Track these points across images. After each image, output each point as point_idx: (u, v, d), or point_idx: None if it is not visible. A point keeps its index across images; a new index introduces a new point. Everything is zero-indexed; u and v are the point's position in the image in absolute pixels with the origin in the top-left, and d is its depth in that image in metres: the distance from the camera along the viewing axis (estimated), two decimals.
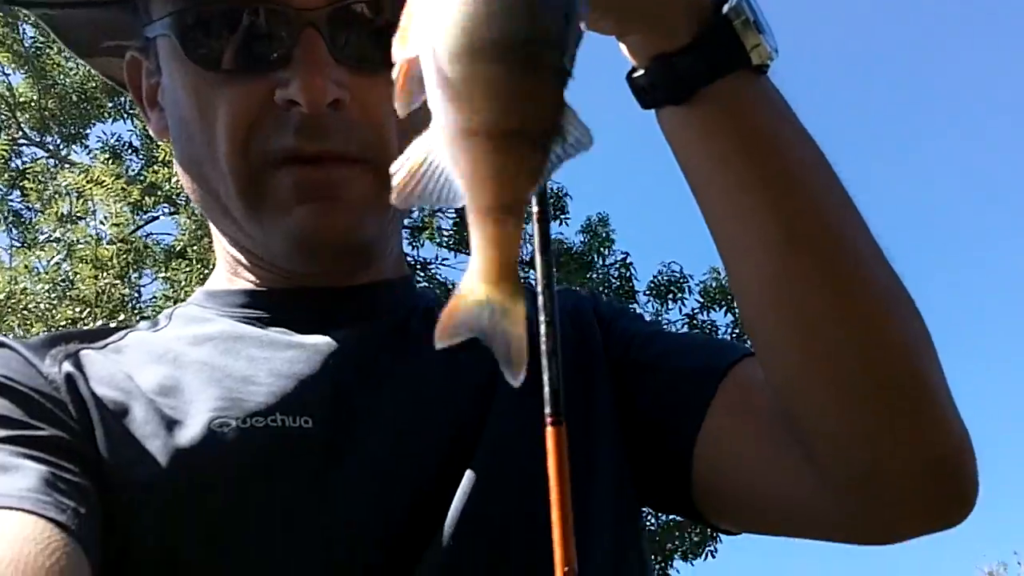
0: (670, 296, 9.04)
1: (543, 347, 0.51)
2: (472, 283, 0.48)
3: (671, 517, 9.66)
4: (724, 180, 0.65)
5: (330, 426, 0.73)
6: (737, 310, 8.38)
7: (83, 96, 8.93)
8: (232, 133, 0.75)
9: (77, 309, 7.11)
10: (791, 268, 0.64)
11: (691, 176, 0.68)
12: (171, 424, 0.71)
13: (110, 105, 8.98)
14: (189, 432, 0.70)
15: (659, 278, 9.05)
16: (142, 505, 0.68)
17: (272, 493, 0.70)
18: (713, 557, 9.61)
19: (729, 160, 0.65)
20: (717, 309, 9.04)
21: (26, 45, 8.71)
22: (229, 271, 0.86)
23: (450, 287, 8.46)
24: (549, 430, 0.49)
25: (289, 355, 0.76)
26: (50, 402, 0.70)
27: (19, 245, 8.61)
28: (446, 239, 8.67)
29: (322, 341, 0.78)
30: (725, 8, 0.64)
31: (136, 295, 7.73)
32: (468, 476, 0.72)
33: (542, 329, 0.54)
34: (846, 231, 0.65)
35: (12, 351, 0.74)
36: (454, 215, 8.69)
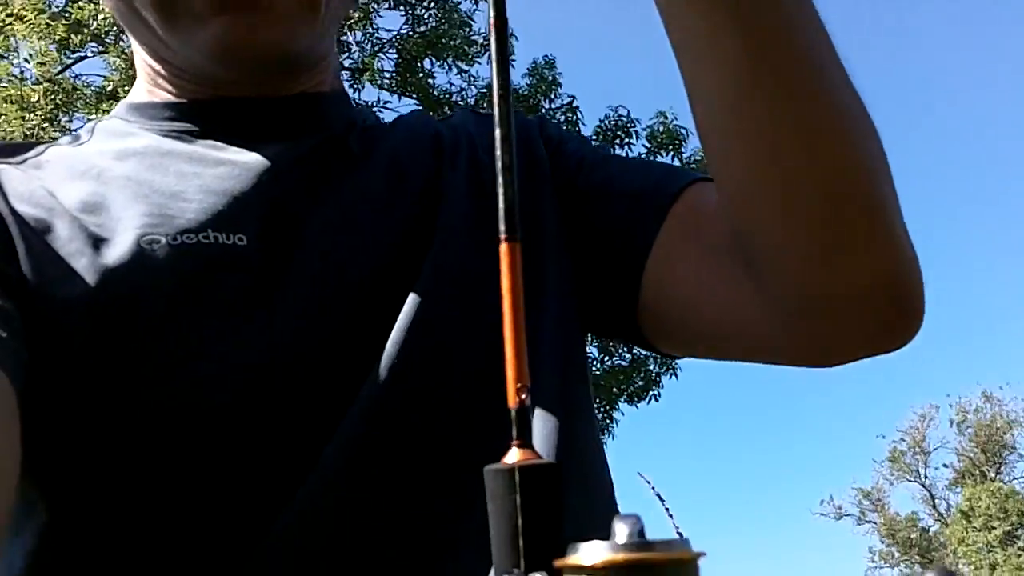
0: (617, 141, 9.03)
1: (498, 162, 0.47)
2: None
3: (616, 362, 9.92)
4: None
5: (266, 242, 0.70)
6: (687, 156, 8.39)
7: None
8: None
9: None
10: (754, 75, 0.61)
11: None
12: (97, 241, 0.68)
13: None
14: (117, 249, 0.67)
15: (606, 123, 9.04)
16: (69, 324, 0.65)
17: (208, 308, 0.67)
18: (657, 401, 9.96)
19: None
20: (664, 154, 9.07)
21: None
22: (150, 83, 0.81)
23: None
24: (503, 247, 0.45)
25: (220, 171, 0.73)
26: None
27: None
28: (387, 81, 8.50)
29: (254, 156, 0.74)
30: None
31: None
32: (414, 293, 0.70)
33: (496, 141, 0.49)
34: (814, 43, 0.63)
35: None
36: (395, 55, 8.49)
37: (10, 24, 7.16)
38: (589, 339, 0.86)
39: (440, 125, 0.85)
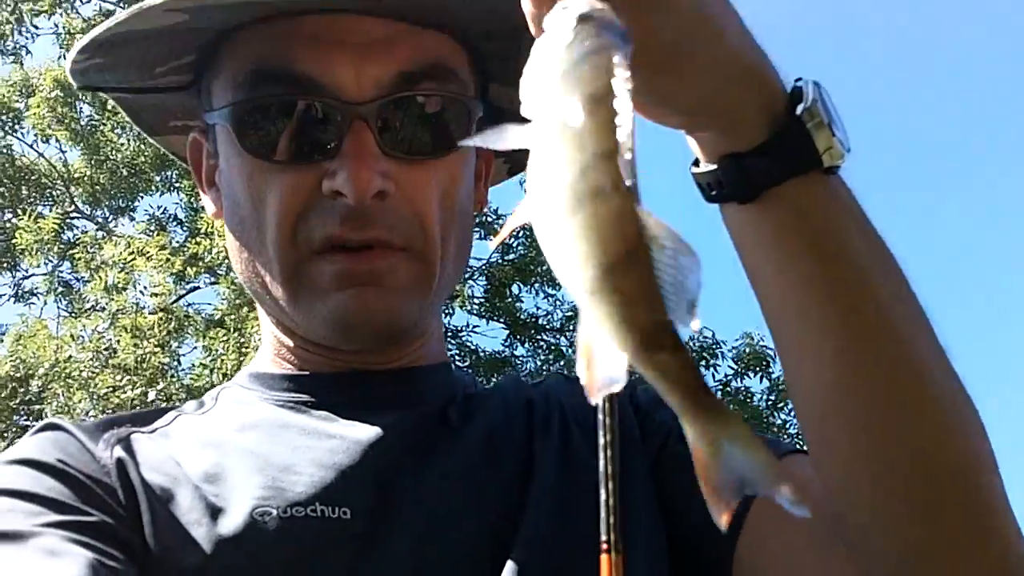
0: (703, 363, 8.98)
1: (600, 467, 0.48)
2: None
3: None
4: (788, 282, 0.64)
5: (369, 516, 0.74)
6: (776, 376, 8.05)
7: (132, 170, 9.27)
8: (281, 221, 0.78)
9: (117, 376, 7.29)
10: (852, 377, 0.63)
11: (753, 274, 0.67)
12: (215, 512, 0.73)
13: (157, 179, 9.33)
14: (232, 521, 0.72)
15: (691, 344, 8.99)
16: None
17: None
18: None
19: (794, 262, 0.63)
20: (751, 376, 8.96)
21: (82, 123, 9.10)
22: (273, 352, 0.88)
23: (480, 354, 8.55)
24: (603, 558, 0.46)
25: (331, 444, 0.78)
26: (100, 487, 0.73)
27: (67, 315, 8.90)
28: (477, 307, 8.76)
29: (363, 429, 0.80)
30: (799, 109, 0.62)
31: (176, 363, 7.93)
32: (508, 567, 0.73)
33: (600, 442, 0.50)
34: (912, 342, 0.63)
35: (68, 434, 0.78)
36: (485, 283, 8.81)
37: (133, 260, 7.75)
38: None
39: (533, 391, 0.90)
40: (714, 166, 0.64)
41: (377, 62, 0.78)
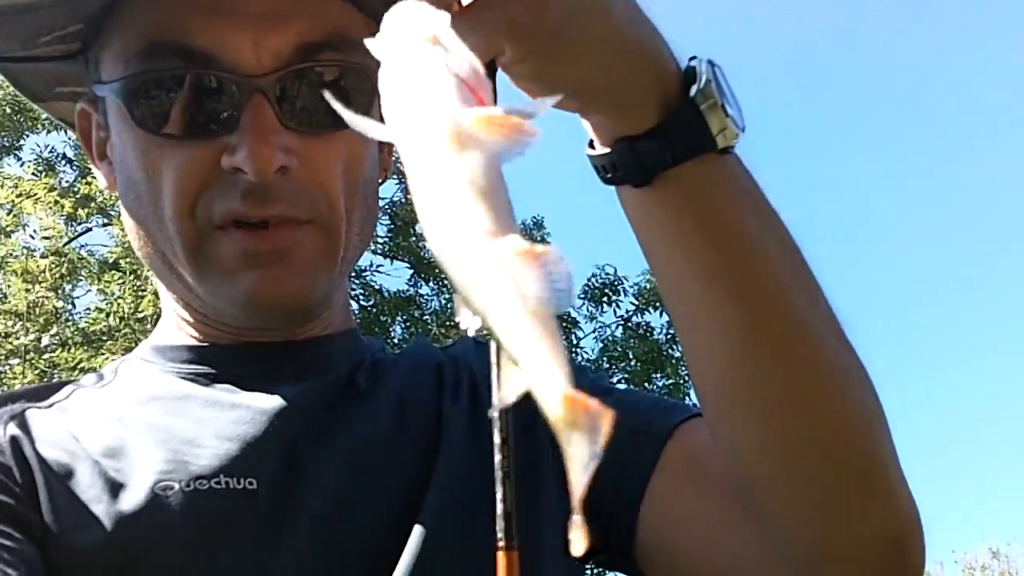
0: (605, 299, 9.18)
1: (497, 467, 0.47)
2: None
3: None
4: (684, 263, 0.64)
5: (275, 486, 0.73)
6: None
7: (17, 108, 8.88)
8: (178, 197, 0.75)
9: (9, 323, 7.08)
10: (748, 353, 0.64)
11: (649, 255, 0.66)
12: (115, 487, 0.71)
13: (44, 117, 8.95)
14: (133, 496, 0.70)
15: (594, 281, 9.19)
16: (85, 572, 0.68)
17: (216, 557, 0.70)
18: None
19: (690, 244, 0.63)
20: (652, 311, 9.19)
21: None
22: (175, 326, 0.85)
23: (385, 294, 8.54)
24: (500, 555, 0.46)
25: (234, 415, 0.76)
26: None
27: None
28: (380, 246, 8.72)
29: (268, 399, 0.78)
30: (692, 91, 0.61)
31: (71, 307, 7.73)
32: (415, 535, 0.73)
33: (496, 441, 0.48)
34: (807, 317, 0.64)
35: None
36: (389, 222, 8.77)
37: (20, 203, 7.47)
38: None
39: (443, 355, 0.89)
40: (608, 149, 0.64)
41: (276, 33, 0.74)
